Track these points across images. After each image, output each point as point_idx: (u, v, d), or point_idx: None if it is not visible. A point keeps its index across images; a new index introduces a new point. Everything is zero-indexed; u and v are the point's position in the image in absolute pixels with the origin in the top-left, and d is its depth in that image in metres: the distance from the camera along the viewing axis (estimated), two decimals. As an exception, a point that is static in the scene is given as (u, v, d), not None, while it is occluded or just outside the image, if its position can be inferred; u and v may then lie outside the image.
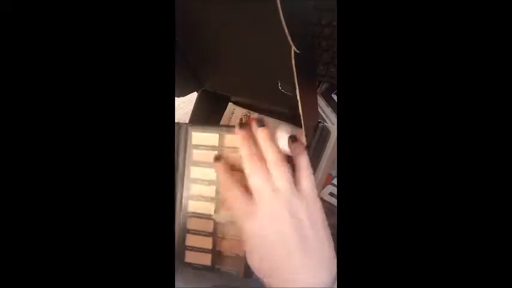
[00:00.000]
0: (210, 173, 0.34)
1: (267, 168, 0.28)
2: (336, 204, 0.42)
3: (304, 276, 0.26)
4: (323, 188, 0.43)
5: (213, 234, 0.34)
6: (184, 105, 0.52)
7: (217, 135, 0.35)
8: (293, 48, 0.21)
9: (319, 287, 0.25)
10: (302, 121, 0.30)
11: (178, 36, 0.33)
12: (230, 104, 0.44)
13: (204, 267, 0.34)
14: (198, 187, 0.35)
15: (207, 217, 0.34)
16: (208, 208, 0.35)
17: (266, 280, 0.27)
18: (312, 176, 0.29)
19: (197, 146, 0.36)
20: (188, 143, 0.36)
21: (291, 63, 0.22)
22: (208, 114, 0.44)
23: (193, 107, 0.44)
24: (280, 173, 0.28)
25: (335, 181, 0.43)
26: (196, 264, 0.34)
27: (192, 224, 0.35)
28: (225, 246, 0.34)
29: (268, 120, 0.33)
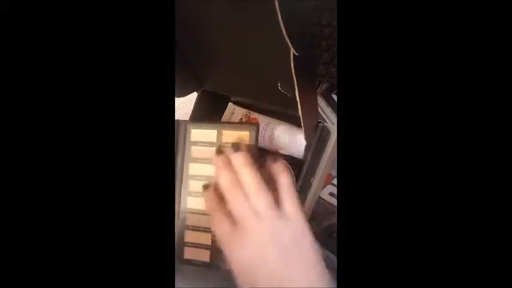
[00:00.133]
0: (209, 169, 0.35)
1: (246, 194, 0.28)
2: (336, 204, 0.42)
3: None
4: (323, 188, 0.43)
5: (212, 231, 0.34)
6: (184, 105, 0.52)
7: (216, 131, 0.35)
8: (292, 50, 0.21)
9: None
10: (302, 121, 0.30)
11: (178, 36, 0.33)
12: (230, 104, 0.44)
13: (203, 264, 0.34)
14: (197, 183, 0.35)
15: (206, 213, 0.35)
16: None
17: None
18: (295, 195, 0.29)
19: (196, 143, 0.36)
20: (187, 139, 0.36)
21: (290, 65, 0.22)
22: (208, 114, 0.44)
23: (193, 107, 0.44)
24: (260, 198, 0.27)
25: (335, 181, 0.43)
26: (195, 260, 0.35)
27: (191, 220, 0.35)
28: None
29: (244, 144, 0.33)
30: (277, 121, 0.40)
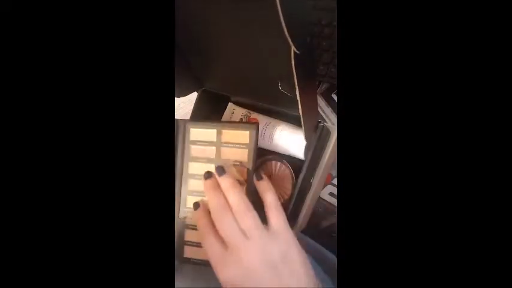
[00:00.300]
0: (208, 168, 0.35)
1: (234, 215, 0.28)
2: (336, 204, 0.42)
3: None
4: (323, 188, 0.43)
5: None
6: (184, 105, 0.52)
7: (215, 130, 0.35)
8: (293, 48, 0.21)
9: None
10: (302, 121, 0.30)
11: (178, 36, 0.33)
12: (230, 104, 0.44)
13: (203, 262, 0.34)
14: (197, 182, 0.35)
15: None
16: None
17: None
18: (281, 211, 0.30)
19: (195, 142, 0.36)
20: (186, 139, 0.36)
21: (291, 64, 0.22)
22: (208, 114, 0.44)
23: (193, 107, 0.44)
24: (247, 218, 0.28)
25: (335, 181, 0.43)
26: (195, 259, 0.35)
27: (191, 219, 0.35)
28: None
29: (230, 164, 0.34)
30: (277, 121, 0.39)
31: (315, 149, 0.35)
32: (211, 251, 0.29)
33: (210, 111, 0.44)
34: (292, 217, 0.37)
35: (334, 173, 0.42)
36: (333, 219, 0.43)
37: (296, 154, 0.38)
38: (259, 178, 0.32)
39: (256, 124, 0.34)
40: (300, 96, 0.25)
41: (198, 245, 0.35)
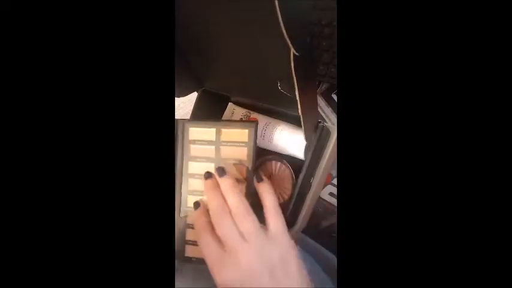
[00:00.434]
0: (208, 168, 0.35)
1: (233, 217, 0.28)
2: (336, 204, 0.42)
3: None
4: (323, 188, 0.43)
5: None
6: (184, 105, 0.52)
7: (214, 129, 0.35)
8: (292, 50, 0.21)
9: None
10: (302, 121, 0.30)
11: (178, 36, 0.33)
12: (230, 104, 0.44)
13: (203, 261, 0.34)
14: (197, 182, 0.35)
15: None
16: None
17: None
18: (280, 214, 0.30)
19: (194, 141, 0.36)
20: (185, 138, 0.36)
21: (291, 65, 0.22)
22: (208, 114, 0.44)
23: (193, 107, 0.44)
24: (246, 221, 0.28)
25: (335, 181, 0.43)
26: (196, 258, 0.35)
27: (192, 218, 0.35)
28: None
29: (230, 166, 0.34)
30: (277, 121, 0.39)
31: (315, 149, 0.35)
32: (208, 250, 0.29)
33: (210, 111, 0.44)
34: (292, 217, 0.37)
35: (334, 173, 0.42)
36: (333, 219, 0.43)
37: (296, 154, 0.38)
38: (260, 180, 0.31)
39: (255, 122, 0.34)
40: (299, 96, 0.25)
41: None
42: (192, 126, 0.36)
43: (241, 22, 0.28)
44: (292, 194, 0.36)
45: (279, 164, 0.39)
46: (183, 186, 0.36)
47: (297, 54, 0.21)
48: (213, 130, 0.35)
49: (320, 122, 0.35)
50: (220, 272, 0.28)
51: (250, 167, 0.33)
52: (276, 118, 0.40)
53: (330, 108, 0.43)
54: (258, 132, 0.35)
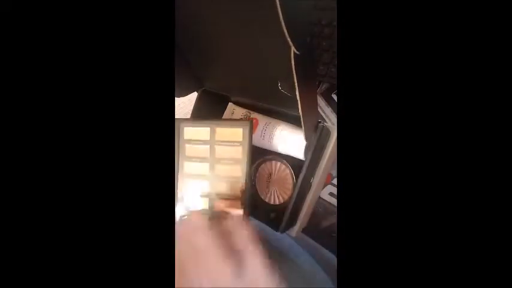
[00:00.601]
0: (203, 168, 0.35)
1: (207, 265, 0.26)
2: (336, 204, 0.42)
3: None
4: (323, 188, 0.43)
5: None
6: (184, 105, 0.52)
7: (209, 128, 0.35)
8: (293, 49, 0.21)
9: None
10: (302, 121, 0.30)
11: (178, 36, 0.33)
12: (230, 104, 0.44)
13: None
14: (193, 181, 0.35)
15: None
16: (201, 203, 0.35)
17: None
18: (256, 247, 0.26)
19: (189, 141, 0.36)
20: (180, 138, 0.36)
21: (291, 64, 0.22)
22: (208, 114, 0.44)
23: (193, 107, 0.44)
24: (222, 269, 0.25)
25: (335, 181, 0.43)
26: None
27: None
28: None
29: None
30: (277, 121, 0.39)
31: (315, 149, 0.35)
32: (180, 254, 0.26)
33: (210, 111, 0.44)
34: (292, 217, 0.37)
35: (334, 173, 0.42)
36: (333, 219, 0.43)
37: (296, 154, 0.38)
38: (228, 216, 0.29)
39: (249, 121, 0.34)
40: (299, 96, 0.25)
41: None
42: (187, 126, 0.36)
43: (241, 22, 0.28)
44: (292, 194, 0.36)
45: (279, 164, 0.39)
46: (179, 185, 0.36)
47: (297, 52, 0.21)
48: (207, 129, 0.35)
49: (320, 122, 0.35)
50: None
51: (246, 165, 0.33)
52: (276, 118, 0.40)
53: (330, 108, 0.44)
54: (258, 132, 0.35)
